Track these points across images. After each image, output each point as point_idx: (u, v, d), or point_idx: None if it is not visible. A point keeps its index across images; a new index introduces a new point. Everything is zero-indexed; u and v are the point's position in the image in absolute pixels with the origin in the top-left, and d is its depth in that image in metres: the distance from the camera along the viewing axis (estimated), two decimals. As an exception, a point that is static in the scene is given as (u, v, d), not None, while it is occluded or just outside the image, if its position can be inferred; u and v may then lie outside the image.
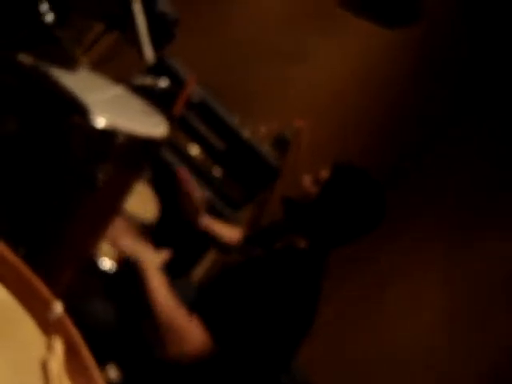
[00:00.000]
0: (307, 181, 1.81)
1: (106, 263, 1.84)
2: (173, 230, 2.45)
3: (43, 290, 0.80)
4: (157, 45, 2.90)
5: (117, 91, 1.58)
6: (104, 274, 1.83)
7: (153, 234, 2.19)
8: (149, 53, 2.08)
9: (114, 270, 1.84)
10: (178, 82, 2.35)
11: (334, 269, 1.79)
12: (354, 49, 3.72)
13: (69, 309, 1.64)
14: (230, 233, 2.38)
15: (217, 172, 3.24)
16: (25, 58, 1.28)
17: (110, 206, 1.39)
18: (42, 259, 1.32)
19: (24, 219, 1.29)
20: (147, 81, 1.98)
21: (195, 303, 1.68)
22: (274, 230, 1.96)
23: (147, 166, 1.42)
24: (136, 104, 1.54)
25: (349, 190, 1.72)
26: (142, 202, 2.37)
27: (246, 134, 3.17)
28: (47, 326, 0.78)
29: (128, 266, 1.73)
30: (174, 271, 2.10)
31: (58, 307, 0.79)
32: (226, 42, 3.54)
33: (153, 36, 2.90)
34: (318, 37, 3.59)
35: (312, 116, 3.45)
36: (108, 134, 1.21)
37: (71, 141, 1.22)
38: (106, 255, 1.87)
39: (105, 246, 1.85)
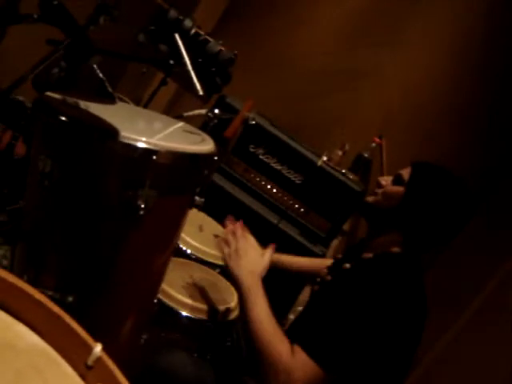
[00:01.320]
0: (387, 181, 1.65)
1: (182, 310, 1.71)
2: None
3: (82, 334, 0.78)
4: (214, 85, 2.86)
5: (161, 118, 1.46)
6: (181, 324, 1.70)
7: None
8: (198, 87, 2.00)
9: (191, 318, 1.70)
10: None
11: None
12: (420, 60, 3.53)
13: (145, 362, 1.50)
14: (309, 263, 2.19)
15: (298, 207, 3.07)
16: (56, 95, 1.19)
17: (162, 238, 1.23)
18: (93, 307, 1.20)
19: (69, 266, 1.16)
20: (199, 111, 1.87)
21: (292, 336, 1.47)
22: (361, 244, 1.75)
23: (198, 189, 1.25)
24: (180, 127, 1.40)
25: (433, 185, 1.57)
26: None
27: (320, 162, 2.99)
28: (85, 370, 0.76)
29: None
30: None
31: (97, 349, 0.76)
32: (287, 71, 3.48)
33: (208, 77, 2.87)
34: (382, 50, 3.44)
35: (387, 132, 3.27)
36: (143, 154, 1.06)
37: (102, 169, 1.08)
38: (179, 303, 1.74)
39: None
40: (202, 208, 1.23)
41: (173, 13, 2.95)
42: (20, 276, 1.17)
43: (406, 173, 1.60)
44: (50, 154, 1.10)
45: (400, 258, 1.56)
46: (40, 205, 1.18)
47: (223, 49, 2.92)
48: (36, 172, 1.14)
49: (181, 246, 2.16)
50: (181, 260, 2.06)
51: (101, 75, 2.05)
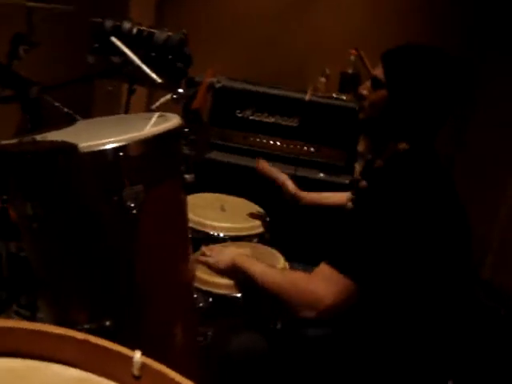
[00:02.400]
0: (366, 88, 1.57)
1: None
2: (287, 217, 2.32)
3: (115, 348, 0.75)
4: (178, 71, 2.80)
5: (126, 118, 1.41)
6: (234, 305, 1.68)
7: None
8: (154, 76, 1.94)
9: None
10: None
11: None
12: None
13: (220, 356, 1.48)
14: (338, 196, 2.14)
15: (308, 149, 3.01)
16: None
17: (168, 228, 1.19)
18: (134, 321, 1.17)
19: (92, 294, 1.13)
20: (165, 98, 1.82)
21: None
22: (373, 158, 1.69)
23: (183, 167, 1.21)
24: (140, 117, 1.35)
25: (409, 65, 1.48)
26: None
27: (307, 96, 2.91)
28: (135, 381, 0.73)
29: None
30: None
31: (137, 356, 0.73)
32: (243, 28, 3.42)
33: (169, 66, 2.81)
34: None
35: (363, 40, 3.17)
36: (108, 154, 1.02)
37: (78, 188, 1.05)
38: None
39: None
40: (193, 184, 1.19)
41: (108, 23, 2.88)
42: (52, 321, 1.17)
43: (379, 72, 1.51)
44: (25, 197, 1.07)
45: (409, 153, 1.50)
46: (40, 248, 1.15)
47: (170, 34, 2.86)
48: (22, 220, 1.11)
49: (211, 232, 2.13)
50: (218, 246, 2.03)
51: (56, 103, 2.02)
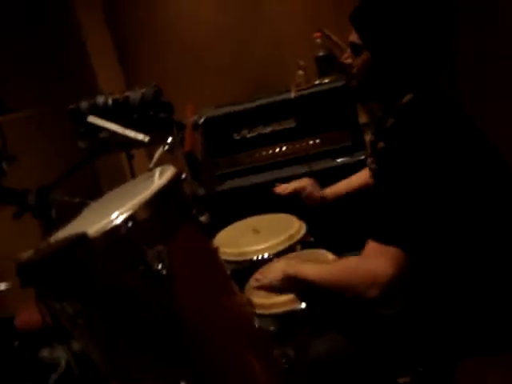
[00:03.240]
0: (348, 56, 1.57)
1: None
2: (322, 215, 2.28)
3: None
4: (164, 122, 2.83)
5: (128, 186, 1.43)
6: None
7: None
8: (141, 137, 1.96)
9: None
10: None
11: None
12: None
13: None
14: (359, 176, 2.12)
15: (313, 142, 3.00)
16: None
17: (203, 274, 1.18)
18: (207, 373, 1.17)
19: (161, 364, 1.13)
20: (158, 152, 1.84)
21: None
22: (381, 119, 1.68)
23: (195, 210, 1.21)
24: (139, 181, 1.36)
25: (382, 15, 1.48)
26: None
27: (292, 94, 2.92)
28: None
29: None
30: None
31: None
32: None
33: (154, 121, 2.85)
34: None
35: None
36: (119, 230, 1.03)
37: (107, 273, 1.06)
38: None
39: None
40: (209, 223, 1.19)
41: (83, 104, 2.95)
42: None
43: (354, 37, 1.52)
44: (59, 298, 1.09)
45: (416, 101, 1.48)
46: (95, 339, 1.16)
47: (143, 90, 2.90)
48: (67, 321, 1.13)
49: (254, 258, 2.12)
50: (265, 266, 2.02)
51: (65, 198, 2.05)
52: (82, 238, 1.00)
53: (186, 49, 3.54)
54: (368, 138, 3.15)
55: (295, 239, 2.14)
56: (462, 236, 1.38)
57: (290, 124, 2.97)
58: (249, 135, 3.00)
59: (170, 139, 1.84)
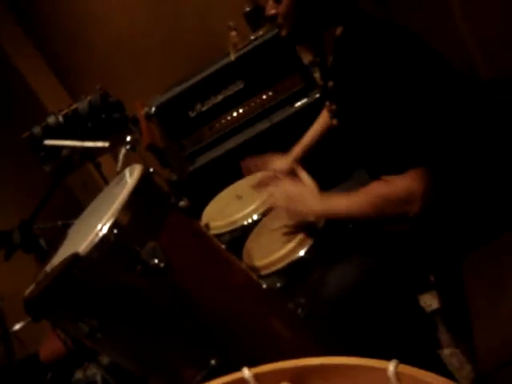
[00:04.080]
0: (272, 6, 1.56)
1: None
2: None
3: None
4: (119, 122, 2.83)
5: (101, 198, 1.45)
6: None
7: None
8: (101, 144, 1.97)
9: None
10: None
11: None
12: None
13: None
14: (318, 124, 2.13)
15: (267, 96, 3.01)
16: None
17: (203, 256, 1.23)
18: (242, 347, 1.22)
19: (189, 353, 1.19)
20: (121, 153, 1.85)
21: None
22: (321, 62, 1.70)
23: (172, 198, 1.24)
24: (112, 187, 1.38)
25: None
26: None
27: (232, 56, 2.91)
28: None
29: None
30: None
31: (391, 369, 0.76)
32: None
33: (109, 124, 2.84)
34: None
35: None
36: (107, 240, 1.06)
37: (111, 283, 1.09)
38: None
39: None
40: (190, 205, 1.22)
41: (36, 129, 2.94)
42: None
43: None
44: (73, 320, 1.11)
45: (349, 30, 1.50)
46: (118, 350, 1.21)
47: (89, 97, 2.88)
48: (87, 339, 1.16)
49: (245, 223, 2.14)
50: (257, 230, 2.03)
51: (48, 225, 2.07)
52: (75, 258, 1.03)
53: (119, 40, 3.51)
54: (316, 74, 3.17)
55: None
56: (458, 126, 1.44)
57: (238, 86, 2.97)
58: (203, 109, 3.00)
59: (128, 138, 1.85)
